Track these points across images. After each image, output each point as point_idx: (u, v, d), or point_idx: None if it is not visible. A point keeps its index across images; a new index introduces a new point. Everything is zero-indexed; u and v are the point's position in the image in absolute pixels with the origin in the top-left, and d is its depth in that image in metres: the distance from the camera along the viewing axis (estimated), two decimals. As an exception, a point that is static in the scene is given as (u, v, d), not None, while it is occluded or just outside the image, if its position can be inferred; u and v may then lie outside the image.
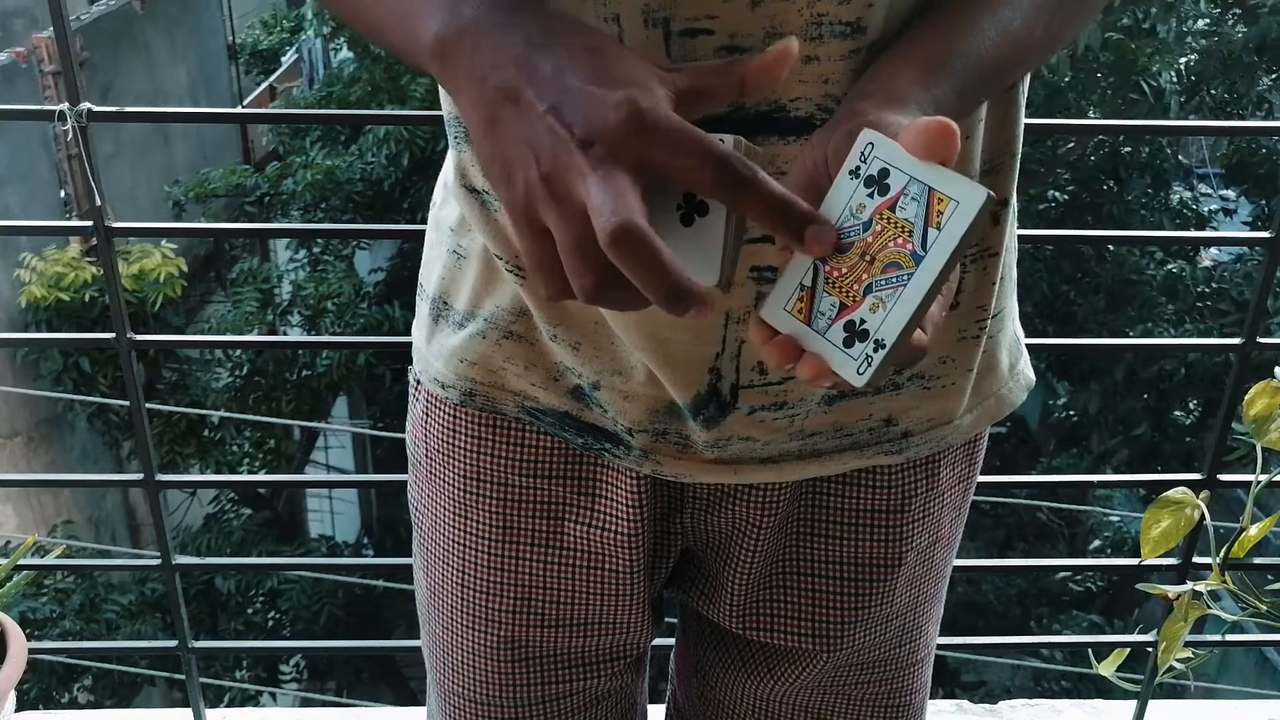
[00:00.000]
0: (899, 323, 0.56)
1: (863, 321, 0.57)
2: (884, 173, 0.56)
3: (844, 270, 0.57)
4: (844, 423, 0.79)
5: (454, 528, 0.86)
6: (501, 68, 0.57)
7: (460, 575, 0.87)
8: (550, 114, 0.55)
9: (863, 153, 0.57)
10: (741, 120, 0.66)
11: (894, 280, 0.56)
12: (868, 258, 0.56)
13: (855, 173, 0.57)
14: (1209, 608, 1.45)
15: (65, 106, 1.34)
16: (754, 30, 0.64)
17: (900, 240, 0.56)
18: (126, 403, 3.14)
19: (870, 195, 0.56)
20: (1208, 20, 7.64)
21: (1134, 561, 1.53)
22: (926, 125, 0.55)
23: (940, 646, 1.11)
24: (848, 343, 0.57)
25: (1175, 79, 7.50)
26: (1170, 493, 1.43)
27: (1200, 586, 1.45)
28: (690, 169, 0.53)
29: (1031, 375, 0.88)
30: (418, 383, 0.88)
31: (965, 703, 1.91)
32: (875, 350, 0.57)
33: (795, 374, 0.59)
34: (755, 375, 0.74)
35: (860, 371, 0.57)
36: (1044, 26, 0.67)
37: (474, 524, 0.85)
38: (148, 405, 2.10)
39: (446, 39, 0.59)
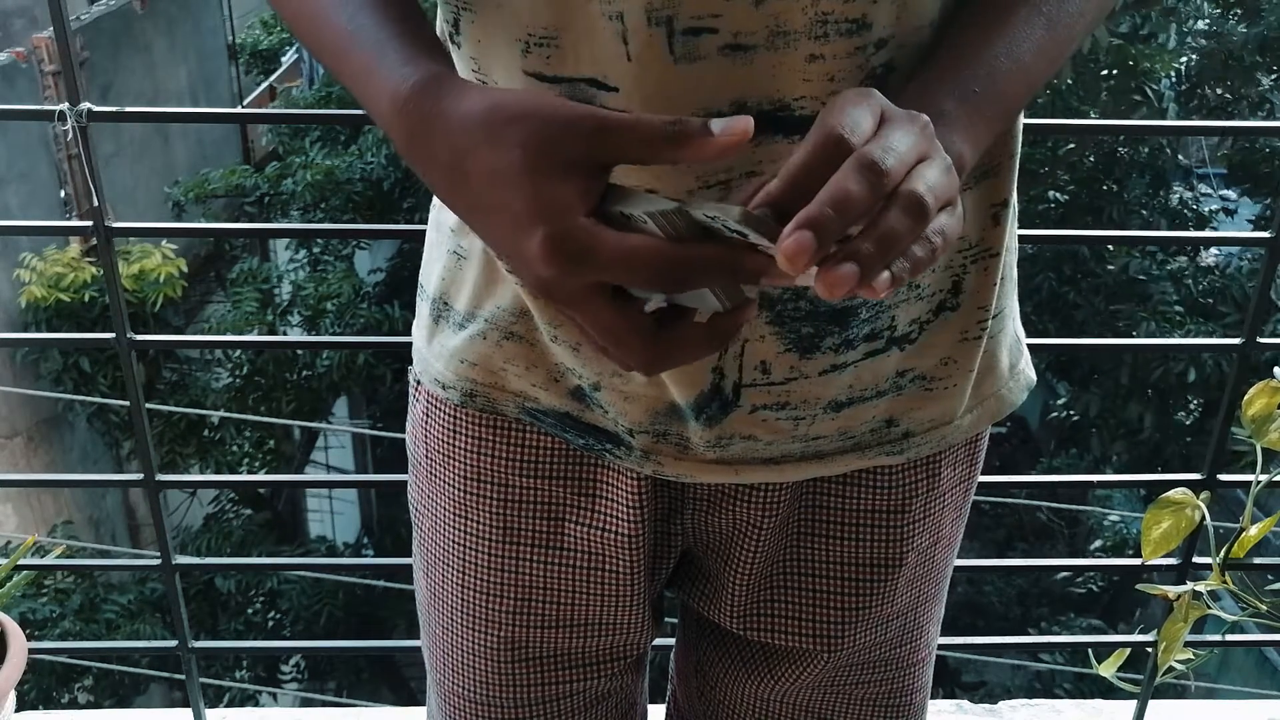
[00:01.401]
0: None
1: None
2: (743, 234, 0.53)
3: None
4: (848, 427, 0.79)
5: (454, 528, 0.86)
6: (435, 184, 0.60)
7: (460, 576, 0.87)
8: (504, 258, 0.58)
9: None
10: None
11: None
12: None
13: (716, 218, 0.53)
14: (1209, 608, 1.45)
15: (65, 106, 1.34)
16: (758, 29, 0.64)
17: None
18: (126, 403, 3.14)
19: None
20: (1208, 20, 7.65)
21: (1134, 562, 1.53)
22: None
23: (940, 646, 1.11)
24: None
25: (1175, 79, 7.50)
26: (1170, 493, 1.42)
27: (1200, 587, 1.45)
28: (632, 280, 0.54)
29: (1032, 375, 0.88)
30: (418, 383, 0.87)
31: (965, 703, 1.91)
32: None
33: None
34: (758, 374, 0.74)
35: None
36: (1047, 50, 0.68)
37: (474, 525, 0.85)
38: (148, 405, 2.10)
39: (388, 125, 0.62)
